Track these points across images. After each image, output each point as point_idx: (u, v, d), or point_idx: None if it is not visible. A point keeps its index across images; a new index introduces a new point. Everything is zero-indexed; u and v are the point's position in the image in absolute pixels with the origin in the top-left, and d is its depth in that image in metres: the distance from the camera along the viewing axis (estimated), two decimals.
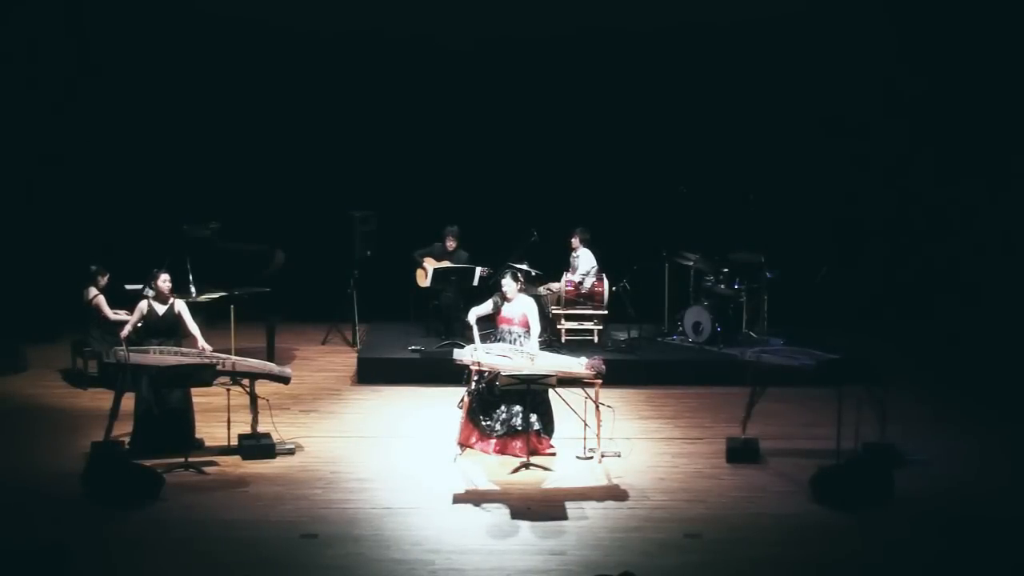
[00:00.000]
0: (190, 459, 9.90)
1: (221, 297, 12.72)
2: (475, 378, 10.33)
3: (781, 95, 15.26)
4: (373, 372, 12.92)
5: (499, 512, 9.07)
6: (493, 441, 10.35)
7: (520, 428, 10.24)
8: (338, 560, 8.16)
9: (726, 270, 13.86)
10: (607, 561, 7.99)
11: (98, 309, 12.32)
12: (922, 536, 8.69)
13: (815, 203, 15.24)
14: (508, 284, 10.53)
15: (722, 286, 13.81)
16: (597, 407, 10.12)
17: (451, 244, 13.71)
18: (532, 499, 9.35)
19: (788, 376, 10.33)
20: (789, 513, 9.11)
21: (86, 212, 15.00)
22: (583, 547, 8.41)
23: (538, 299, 12.18)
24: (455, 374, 10.67)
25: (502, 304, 10.56)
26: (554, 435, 10.50)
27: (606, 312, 13.77)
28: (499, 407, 10.31)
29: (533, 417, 10.25)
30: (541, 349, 10.70)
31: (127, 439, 10.25)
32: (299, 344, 14.44)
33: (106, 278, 12.49)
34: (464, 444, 10.43)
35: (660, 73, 15.39)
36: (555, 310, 13.75)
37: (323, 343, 14.59)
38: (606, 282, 13.71)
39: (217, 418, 10.72)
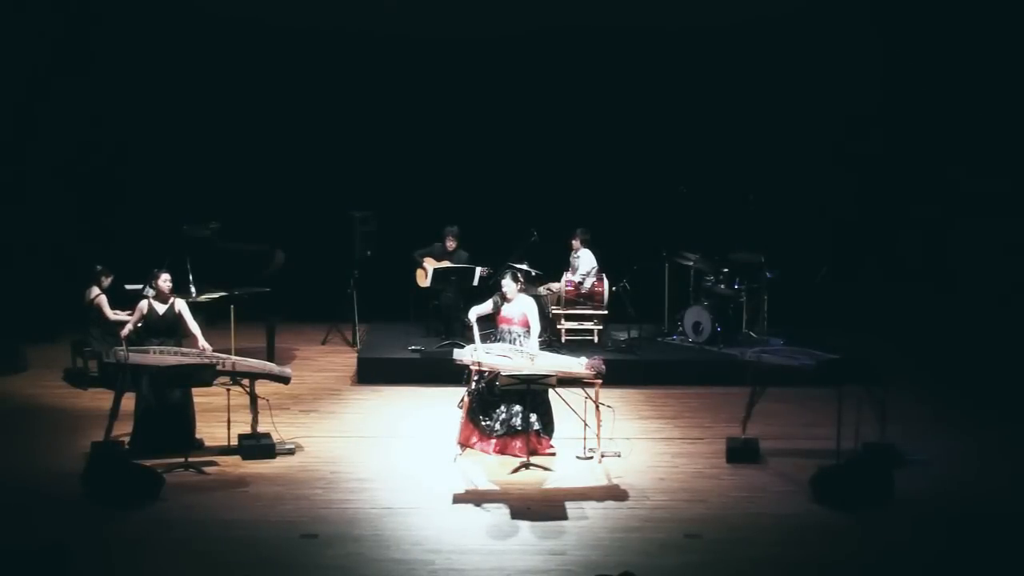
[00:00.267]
0: (190, 459, 9.90)
1: (221, 297, 12.72)
2: (475, 378, 10.33)
3: (781, 95, 15.26)
4: (373, 372, 12.92)
5: (499, 512, 9.07)
6: (493, 441, 10.35)
7: (520, 428, 10.24)
8: (338, 560, 8.16)
9: (726, 270, 13.87)
10: (607, 561, 7.99)
11: (99, 309, 12.32)
12: (922, 536, 8.69)
13: (815, 203, 15.23)
14: (508, 284, 10.53)
15: (722, 286, 13.81)
16: (597, 407, 10.12)
17: (451, 244, 13.71)
18: (532, 499, 9.35)
19: (788, 376, 10.33)
20: (789, 513, 9.11)
21: (86, 212, 14.99)
22: (583, 547, 8.41)
23: (538, 299, 12.18)
24: (455, 374, 10.67)
25: (502, 304, 10.56)
26: (554, 435, 10.49)
27: (606, 312, 13.77)
28: (499, 407, 10.31)
29: (533, 417, 10.25)
30: (541, 349, 10.70)
31: (127, 439, 10.25)
32: (299, 344, 14.44)
33: (110, 279, 12.50)
34: (464, 444, 10.43)
35: (660, 73, 15.40)
36: (555, 310, 13.76)
37: (323, 343, 14.60)
38: (606, 282, 13.71)
39: (217, 418, 10.72)
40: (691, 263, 13.98)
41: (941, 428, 11.35)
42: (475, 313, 10.59)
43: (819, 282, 13.55)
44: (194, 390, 10.36)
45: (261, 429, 10.38)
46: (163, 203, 14.68)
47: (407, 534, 8.59)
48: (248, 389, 10.29)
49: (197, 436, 10.43)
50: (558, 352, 11.68)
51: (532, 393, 9.99)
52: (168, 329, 10.41)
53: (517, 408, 10.25)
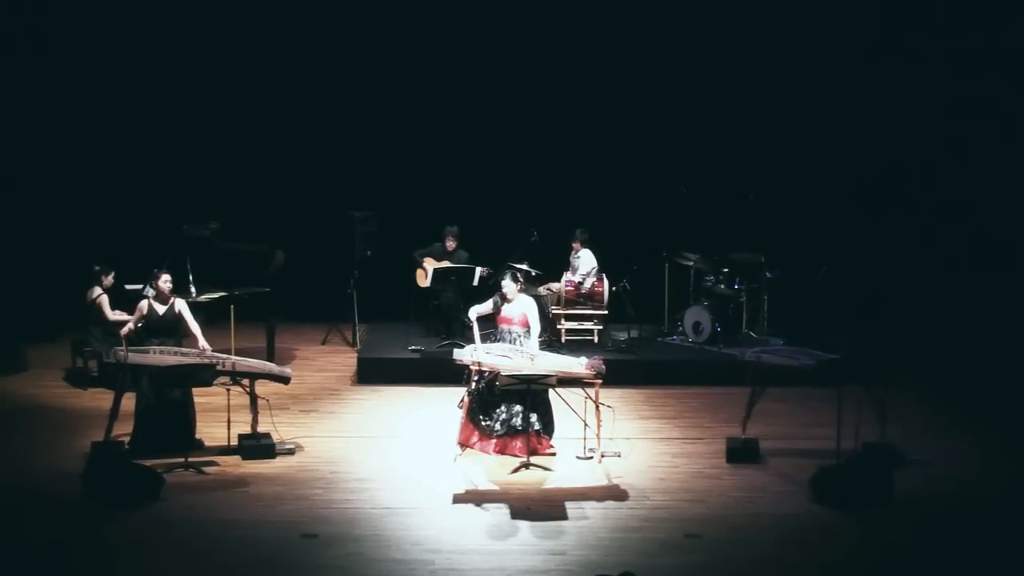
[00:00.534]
0: (190, 459, 9.90)
1: (221, 297, 12.72)
2: (475, 378, 10.33)
3: (781, 95, 15.26)
4: (373, 372, 12.92)
5: (499, 512, 9.07)
6: (493, 441, 10.35)
7: (520, 428, 10.24)
8: (338, 560, 8.16)
9: (726, 270, 13.87)
10: (607, 561, 7.99)
11: (100, 308, 12.32)
12: (922, 536, 8.68)
13: (815, 203, 15.23)
14: (508, 284, 10.53)
15: (722, 286, 13.81)
16: (597, 407, 10.11)
17: (451, 244, 13.70)
18: (532, 499, 9.35)
19: (788, 376, 10.33)
20: (789, 513, 9.11)
21: (86, 212, 14.99)
22: (583, 547, 8.41)
23: (538, 299, 12.18)
24: (455, 374, 10.67)
25: (502, 304, 10.56)
26: (554, 435, 10.49)
27: (606, 312, 13.77)
28: (499, 407, 10.31)
29: (533, 417, 10.25)
30: (541, 349, 10.70)
31: (127, 439, 10.25)
32: (299, 344, 14.44)
33: (110, 277, 12.50)
34: (464, 444, 10.43)
35: (660, 74, 15.40)
36: (555, 310, 13.75)
37: (323, 343, 14.59)
38: (606, 282, 13.71)
39: (217, 418, 10.71)
40: (691, 263, 13.98)
41: (941, 428, 11.36)
42: (475, 312, 10.59)
43: (819, 282, 13.55)
44: (194, 390, 10.36)
45: (261, 429, 10.38)
46: (163, 203, 14.67)
47: (407, 534, 8.59)
48: (248, 389, 10.29)
49: (197, 436, 10.42)
50: (558, 352, 11.68)
51: (532, 393, 9.99)
52: (168, 329, 10.41)
53: (517, 408, 10.25)
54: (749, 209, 14.26)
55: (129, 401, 10.16)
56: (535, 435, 10.31)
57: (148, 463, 9.53)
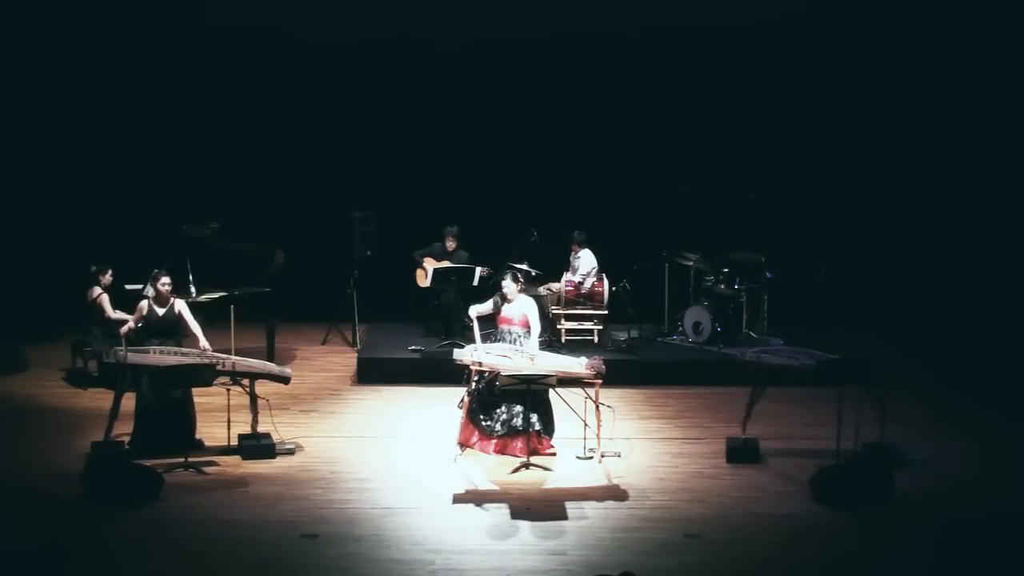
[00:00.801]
0: (190, 459, 9.90)
1: (221, 297, 12.72)
2: (475, 378, 10.33)
3: (781, 95, 15.25)
4: (373, 372, 12.92)
5: (499, 512, 9.07)
6: (493, 441, 10.34)
7: (521, 428, 10.23)
8: (338, 560, 8.16)
9: (726, 270, 13.86)
10: (607, 561, 7.99)
11: (100, 308, 12.32)
12: (922, 536, 8.68)
13: (815, 203, 15.23)
14: (508, 285, 10.53)
15: (722, 286, 13.81)
16: (597, 407, 10.11)
17: (451, 244, 13.70)
18: (532, 499, 9.35)
19: (788, 376, 10.33)
20: (789, 513, 9.11)
21: (86, 212, 15.00)
22: (583, 547, 8.41)
23: (538, 299, 12.18)
24: (455, 374, 10.67)
25: (502, 304, 10.56)
26: (554, 435, 10.49)
27: (606, 312, 13.77)
28: (500, 407, 10.31)
29: (534, 417, 10.25)
30: (541, 349, 10.70)
31: (127, 439, 10.25)
32: (299, 344, 14.43)
33: (108, 276, 12.49)
34: (464, 444, 10.43)
35: (660, 74, 15.39)
36: (555, 310, 13.75)
37: (323, 343, 14.59)
38: (606, 282, 13.71)
39: (217, 418, 10.72)
40: (691, 263, 13.98)
41: (941, 428, 11.35)
42: (475, 310, 10.59)
43: (819, 282, 13.55)
44: (194, 390, 10.36)
45: (261, 429, 10.38)
46: (163, 203, 14.67)
47: (407, 534, 8.59)
48: (248, 389, 10.29)
49: (197, 436, 10.43)
50: (558, 352, 11.68)
51: (532, 393, 9.99)
52: (168, 330, 10.40)
53: (518, 408, 10.24)
54: (749, 209, 14.26)
55: (129, 401, 10.17)
56: (535, 435, 10.31)
57: (148, 463, 9.53)
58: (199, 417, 10.52)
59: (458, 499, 9.34)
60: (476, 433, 10.43)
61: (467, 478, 9.86)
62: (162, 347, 10.16)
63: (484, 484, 9.75)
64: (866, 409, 9.88)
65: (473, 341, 10.45)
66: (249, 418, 10.35)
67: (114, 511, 8.92)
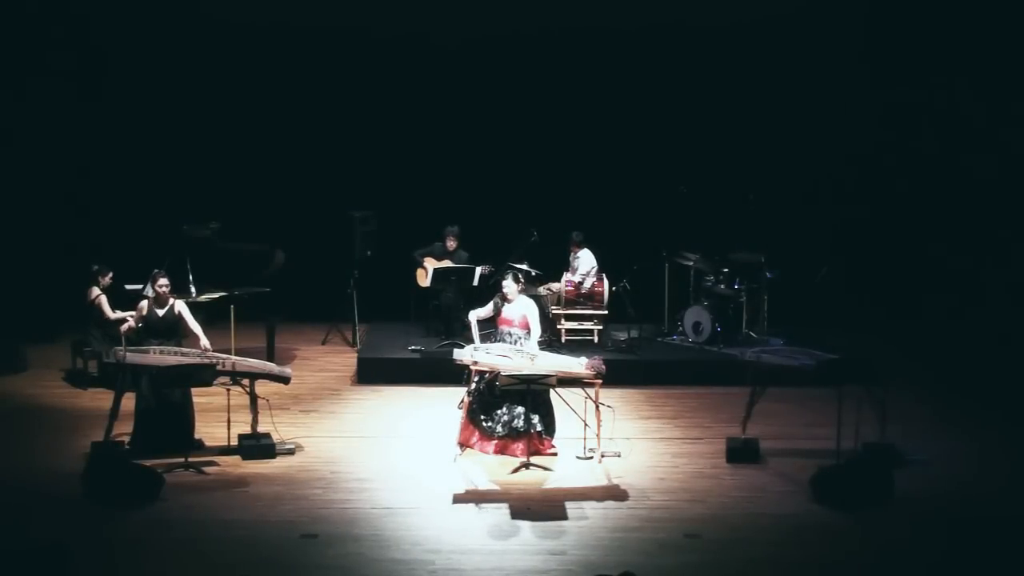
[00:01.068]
0: (190, 459, 9.90)
1: (221, 297, 12.72)
2: (475, 378, 10.33)
3: (781, 95, 15.25)
4: (373, 372, 12.92)
5: (499, 512, 9.07)
6: (494, 442, 10.34)
7: (522, 430, 10.23)
8: (338, 560, 8.16)
9: (726, 270, 13.86)
10: (607, 561, 7.99)
11: (99, 308, 12.32)
12: (922, 536, 8.69)
13: (815, 203, 15.23)
14: (509, 285, 10.53)
15: (722, 286, 13.81)
16: (597, 407, 10.11)
17: (451, 244, 13.70)
18: (532, 499, 9.35)
19: (788, 376, 10.33)
20: (789, 513, 9.11)
21: (86, 212, 14.99)
22: (583, 547, 8.41)
23: (538, 299, 12.18)
24: (455, 374, 10.67)
25: (502, 305, 10.56)
26: (555, 435, 10.49)
27: (606, 312, 13.77)
28: (500, 408, 10.31)
29: (535, 418, 10.24)
30: (541, 349, 10.69)
31: (127, 439, 10.25)
32: (299, 344, 14.43)
33: (108, 276, 12.50)
34: (464, 444, 10.43)
35: (660, 73, 15.38)
36: (555, 310, 13.75)
37: (323, 343, 14.59)
38: (606, 282, 13.71)
39: (217, 418, 10.72)
40: (691, 263, 13.98)
41: (941, 428, 11.35)
42: (475, 315, 10.61)
43: (819, 282, 13.55)
44: (194, 390, 10.36)
45: (261, 429, 10.38)
46: (163, 203, 14.67)
47: (407, 534, 8.59)
48: (248, 389, 10.29)
49: (197, 436, 10.43)
50: (558, 352, 11.68)
51: (533, 393, 9.99)
52: (168, 330, 10.41)
53: (519, 409, 10.24)
54: (749, 209, 14.26)
55: (129, 401, 10.17)
56: (537, 436, 10.31)
57: (148, 463, 9.53)
58: (199, 417, 10.52)
59: (458, 499, 9.34)
60: (476, 433, 10.42)
61: (467, 478, 9.86)
62: (162, 347, 10.16)
63: (484, 484, 9.74)
64: (866, 409, 9.87)
65: (473, 341, 10.44)
66: (249, 418, 10.35)
67: (114, 511, 8.91)
